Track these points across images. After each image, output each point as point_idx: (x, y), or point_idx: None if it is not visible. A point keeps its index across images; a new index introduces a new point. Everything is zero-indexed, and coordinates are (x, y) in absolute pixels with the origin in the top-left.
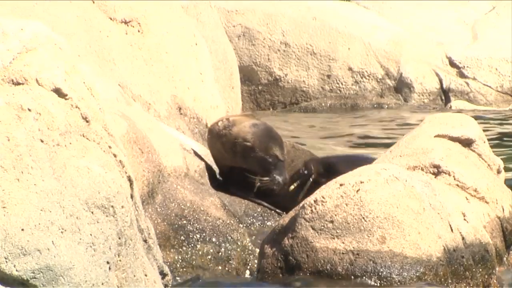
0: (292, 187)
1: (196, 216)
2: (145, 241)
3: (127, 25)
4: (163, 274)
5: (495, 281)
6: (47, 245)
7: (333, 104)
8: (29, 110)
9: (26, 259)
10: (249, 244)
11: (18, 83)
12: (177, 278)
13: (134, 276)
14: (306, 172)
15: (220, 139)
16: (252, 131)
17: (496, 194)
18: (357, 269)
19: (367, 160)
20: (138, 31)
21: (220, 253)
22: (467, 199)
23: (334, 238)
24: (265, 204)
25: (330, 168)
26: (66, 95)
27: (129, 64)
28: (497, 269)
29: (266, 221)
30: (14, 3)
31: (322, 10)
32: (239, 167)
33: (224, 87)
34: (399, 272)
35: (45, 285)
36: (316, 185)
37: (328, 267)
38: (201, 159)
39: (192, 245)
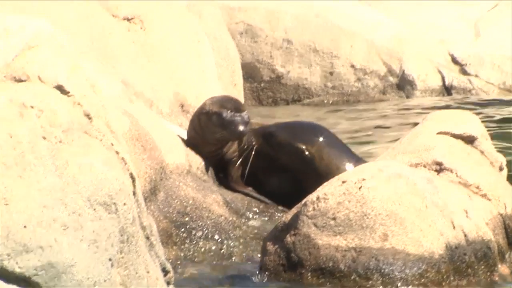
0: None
1: (199, 213)
2: (147, 238)
3: (130, 22)
4: (165, 271)
5: (497, 278)
6: (49, 242)
7: (336, 101)
8: (32, 107)
9: (29, 256)
10: (252, 241)
11: (20, 80)
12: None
13: (136, 273)
14: (247, 145)
15: (191, 124)
16: (209, 100)
17: (499, 191)
18: (360, 266)
19: (309, 126)
20: (141, 28)
21: (222, 250)
22: (469, 196)
23: (336, 235)
24: (267, 201)
25: (270, 137)
26: (69, 92)
27: (131, 61)
28: (499, 266)
29: (268, 218)
30: (16, 1)
31: (324, 7)
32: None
33: (226, 84)
34: (401, 269)
35: (47, 282)
36: (261, 155)
37: (330, 264)
38: None
39: (194, 242)
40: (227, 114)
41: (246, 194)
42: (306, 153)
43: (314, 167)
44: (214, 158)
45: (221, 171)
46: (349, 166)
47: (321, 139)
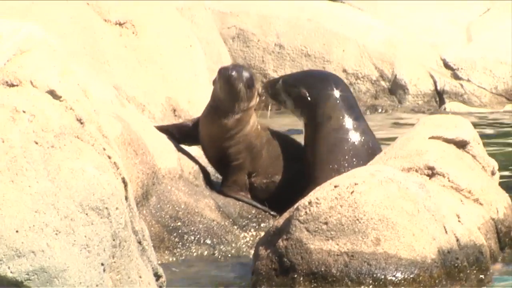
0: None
1: (191, 218)
2: (140, 242)
3: (122, 27)
4: (157, 276)
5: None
6: (41, 246)
7: None
8: (24, 111)
9: (21, 261)
10: (244, 245)
11: (12, 85)
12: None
13: (129, 277)
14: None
15: (210, 97)
16: None
17: (491, 196)
18: (352, 270)
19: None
20: (133, 33)
21: (214, 255)
22: (461, 200)
23: (328, 240)
24: (259, 205)
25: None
26: (61, 96)
27: (123, 66)
28: (491, 270)
29: (260, 223)
30: (9, 4)
31: (316, 11)
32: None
33: None
34: (394, 274)
35: (39, 287)
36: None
37: (322, 269)
38: (196, 160)
39: (186, 246)
40: (230, 66)
41: (238, 199)
42: (317, 96)
43: (321, 111)
44: (220, 147)
45: (218, 172)
46: (353, 124)
47: (338, 93)
